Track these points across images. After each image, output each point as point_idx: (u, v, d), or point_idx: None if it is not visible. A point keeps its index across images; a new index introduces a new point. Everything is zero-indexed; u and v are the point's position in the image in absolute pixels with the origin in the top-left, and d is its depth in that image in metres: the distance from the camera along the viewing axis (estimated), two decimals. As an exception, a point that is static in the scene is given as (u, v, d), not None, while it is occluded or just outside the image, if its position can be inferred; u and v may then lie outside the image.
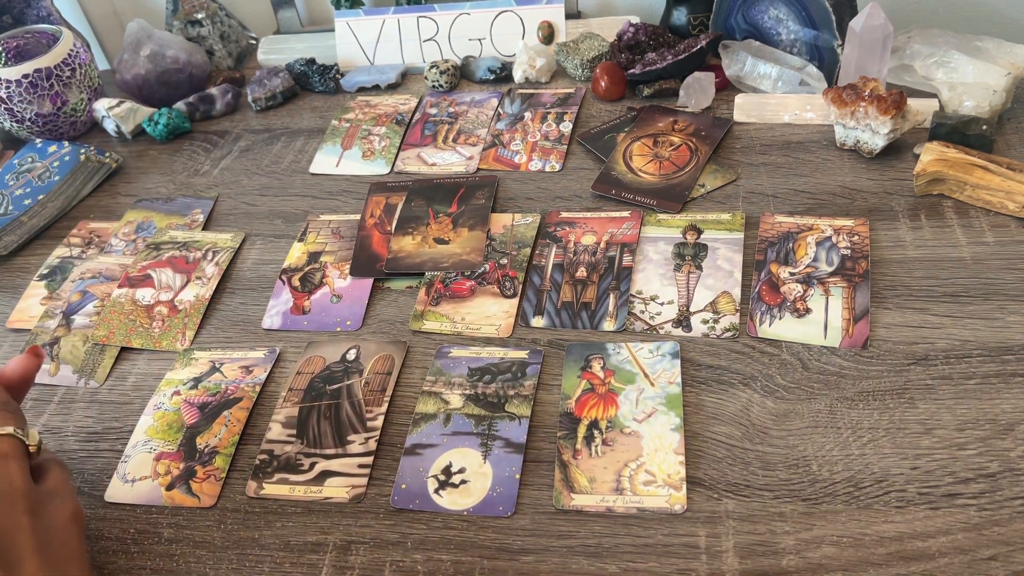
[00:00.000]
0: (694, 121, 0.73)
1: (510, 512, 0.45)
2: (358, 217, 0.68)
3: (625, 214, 0.64)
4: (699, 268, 0.58)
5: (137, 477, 0.50)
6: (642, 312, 0.56)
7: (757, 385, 0.50)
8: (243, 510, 0.47)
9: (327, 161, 0.77)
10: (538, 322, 0.57)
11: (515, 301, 0.58)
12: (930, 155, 0.61)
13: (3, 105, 0.81)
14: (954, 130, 0.64)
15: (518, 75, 0.83)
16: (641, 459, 0.47)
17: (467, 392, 0.52)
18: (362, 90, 0.87)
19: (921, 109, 0.67)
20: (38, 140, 0.82)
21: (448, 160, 0.74)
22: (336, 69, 0.88)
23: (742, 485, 0.45)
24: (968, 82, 0.67)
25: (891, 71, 0.72)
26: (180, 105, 0.85)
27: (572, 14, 0.91)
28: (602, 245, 0.61)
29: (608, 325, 0.55)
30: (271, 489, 0.48)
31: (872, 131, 0.65)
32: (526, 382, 0.52)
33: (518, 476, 0.47)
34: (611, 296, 0.57)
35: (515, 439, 0.49)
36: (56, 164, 0.78)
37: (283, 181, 0.75)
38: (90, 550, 0.46)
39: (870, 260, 0.57)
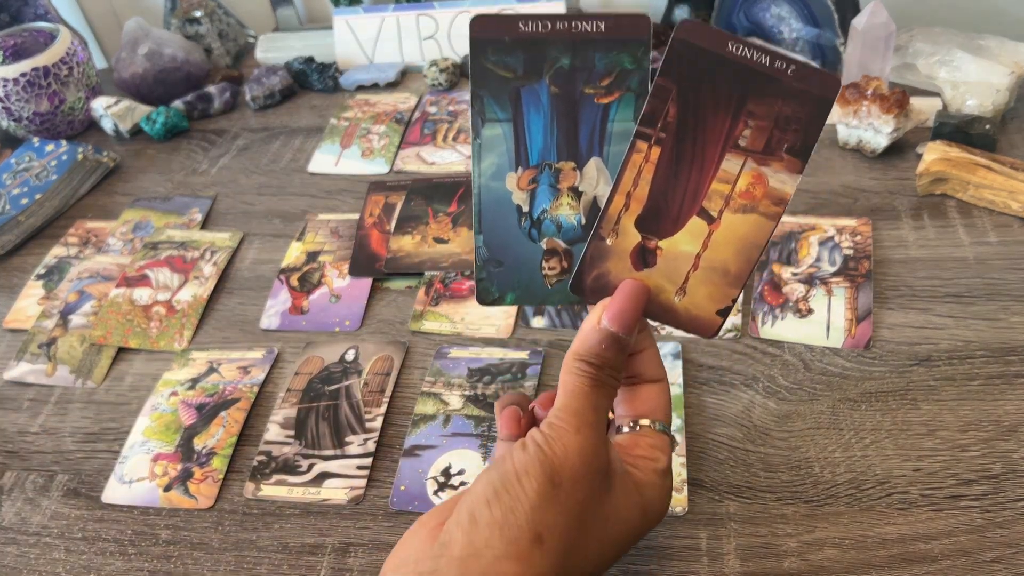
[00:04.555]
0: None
1: (510, 514, 0.45)
2: (357, 216, 0.68)
3: (626, 213, 0.63)
4: (700, 268, 0.58)
5: (134, 478, 0.50)
6: (643, 312, 0.56)
7: (759, 386, 0.50)
8: (241, 512, 0.47)
9: (326, 160, 0.76)
10: (538, 322, 0.56)
11: (515, 301, 0.58)
12: (933, 154, 0.60)
13: (0, 104, 0.80)
14: (957, 129, 0.63)
15: (518, 73, 0.83)
16: (642, 461, 0.46)
17: (467, 393, 0.52)
18: (361, 88, 0.86)
19: (924, 108, 0.67)
20: (35, 139, 0.81)
21: (448, 159, 0.74)
22: (335, 67, 0.87)
23: (744, 487, 0.44)
24: (971, 81, 0.67)
25: (894, 70, 0.71)
26: (178, 104, 0.84)
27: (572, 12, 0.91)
28: (602, 245, 0.61)
29: (609, 325, 0.55)
30: (269, 490, 0.48)
31: (875, 130, 0.65)
32: (526, 383, 0.52)
33: (518, 478, 0.46)
34: (612, 296, 0.57)
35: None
36: (53, 163, 0.78)
37: (281, 180, 0.75)
38: (87, 552, 0.46)
39: (873, 260, 0.56)
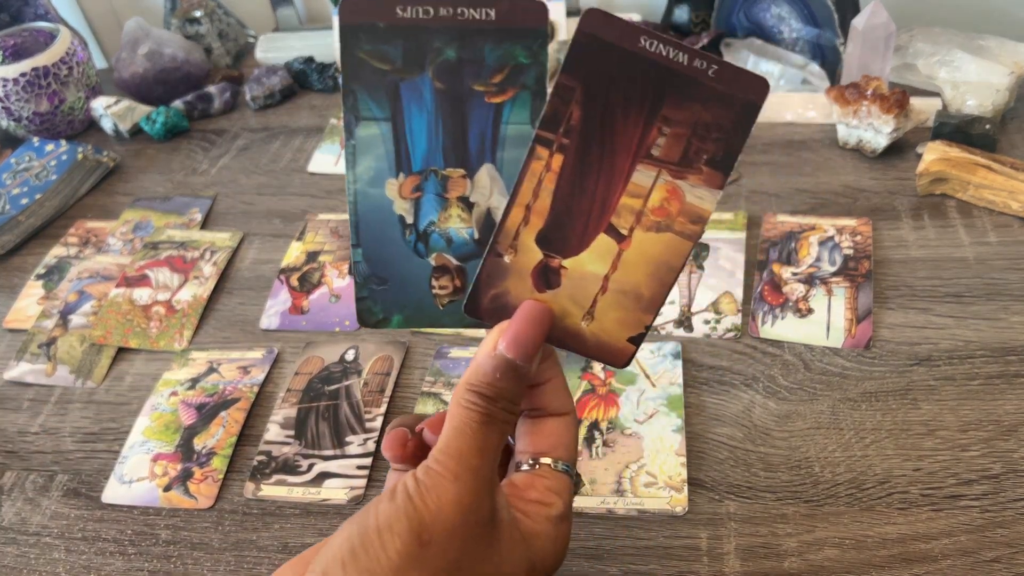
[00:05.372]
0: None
1: (510, 514, 0.45)
2: (357, 216, 0.68)
3: (626, 213, 0.63)
4: (701, 268, 0.58)
5: (134, 478, 0.50)
6: (643, 312, 0.55)
7: (759, 386, 0.50)
8: (241, 512, 0.47)
9: (326, 160, 0.76)
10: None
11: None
12: (933, 154, 0.60)
13: (0, 103, 0.80)
14: (957, 129, 0.63)
15: (518, 73, 0.83)
16: (642, 460, 0.46)
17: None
18: (361, 88, 0.86)
19: (924, 108, 0.67)
20: (35, 139, 0.81)
21: (447, 159, 0.74)
22: (335, 67, 0.87)
23: (744, 487, 0.44)
24: (971, 81, 0.67)
25: (894, 70, 0.71)
26: (178, 104, 0.84)
27: (573, 12, 0.91)
28: (602, 245, 0.61)
29: (609, 325, 0.55)
30: (269, 490, 0.48)
31: (875, 130, 0.65)
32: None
33: (518, 477, 0.46)
34: (611, 296, 0.57)
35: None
36: (53, 163, 0.78)
37: (281, 180, 0.75)
38: (87, 552, 0.46)
39: (873, 260, 0.56)
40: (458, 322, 0.32)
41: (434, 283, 0.32)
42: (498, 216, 0.31)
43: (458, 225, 0.32)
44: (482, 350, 0.30)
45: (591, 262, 0.31)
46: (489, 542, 0.28)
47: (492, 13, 0.30)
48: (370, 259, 0.32)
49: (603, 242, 0.30)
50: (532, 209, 0.30)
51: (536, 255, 0.31)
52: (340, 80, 0.31)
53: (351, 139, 0.31)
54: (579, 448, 0.47)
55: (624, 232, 0.30)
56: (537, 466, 0.31)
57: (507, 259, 0.31)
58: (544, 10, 0.30)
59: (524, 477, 0.31)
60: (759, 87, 0.29)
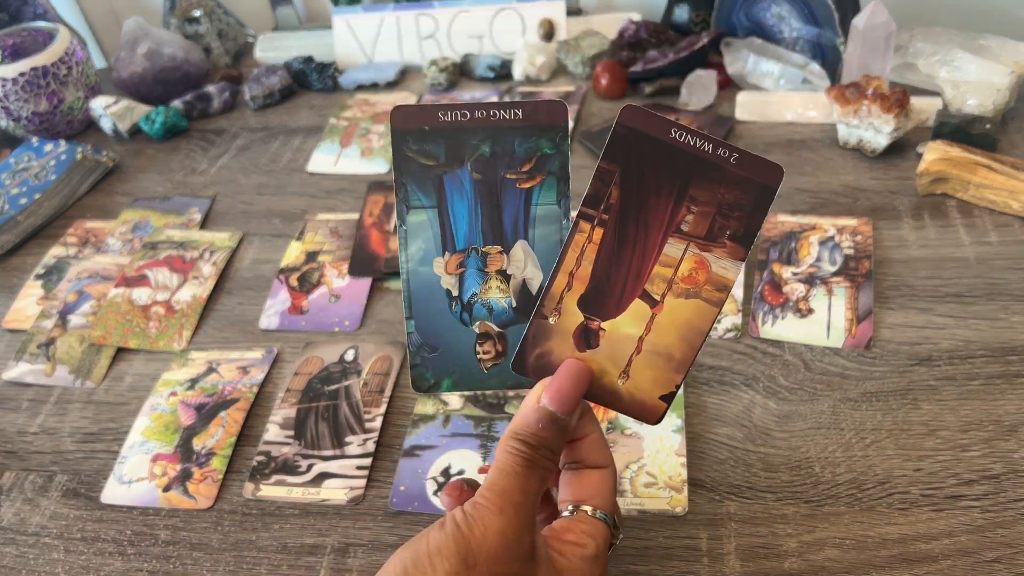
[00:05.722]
0: (696, 119, 0.72)
1: (510, 514, 0.45)
2: (356, 216, 0.68)
3: (626, 213, 0.63)
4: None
5: (134, 478, 0.49)
6: (643, 312, 0.55)
7: (759, 386, 0.50)
8: (240, 512, 0.47)
9: (325, 160, 0.76)
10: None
11: (515, 301, 0.58)
12: (933, 154, 0.60)
13: (-1, 103, 0.80)
14: (957, 129, 0.63)
15: (518, 73, 0.83)
16: (642, 461, 0.46)
17: (466, 393, 0.52)
18: (360, 88, 0.86)
19: (924, 108, 0.67)
20: (34, 139, 0.81)
21: (447, 159, 0.74)
22: (334, 67, 0.87)
23: (744, 487, 0.44)
24: (972, 80, 0.67)
25: (894, 69, 0.71)
26: (177, 103, 0.84)
27: (573, 11, 0.91)
28: (602, 244, 0.61)
29: (609, 325, 0.55)
30: (268, 491, 0.48)
31: (875, 130, 0.65)
32: (526, 383, 0.52)
33: (518, 478, 0.46)
34: (611, 296, 0.57)
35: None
36: (52, 163, 0.78)
37: (281, 180, 0.74)
38: (86, 552, 0.46)
39: (873, 260, 0.56)
40: (502, 383, 0.36)
41: (478, 349, 0.36)
42: (532, 286, 0.35)
43: (497, 295, 0.36)
44: (527, 402, 0.33)
45: (627, 325, 0.34)
46: (527, 574, 0.31)
47: (520, 113, 0.35)
48: (422, 329, 0.36)
49: (638, 307, 0.34)
50: (575, 276, 0.34)
51: (577, 318, 0.34)
52: (392, 175, 0.35)
53: (403, 225, 0.36)
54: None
55: (657, 298, 0.34)
56: (576, 512, 0.34)
57: (551, 321, 0.34)
58: (563, 109, 0.35)
59: (563, 522, 0.34)
60: (775, 173, 0.33)
